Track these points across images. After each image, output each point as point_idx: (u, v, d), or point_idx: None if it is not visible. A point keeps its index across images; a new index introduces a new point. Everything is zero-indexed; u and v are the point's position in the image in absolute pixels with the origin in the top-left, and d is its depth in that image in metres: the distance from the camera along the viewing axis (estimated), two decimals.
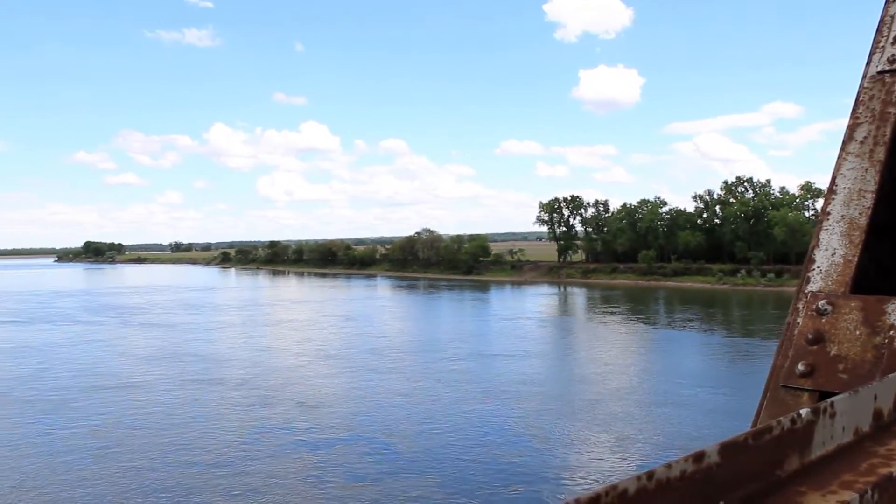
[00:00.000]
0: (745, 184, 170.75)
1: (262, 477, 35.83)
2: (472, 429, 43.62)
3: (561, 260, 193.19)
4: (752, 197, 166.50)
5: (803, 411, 1.16)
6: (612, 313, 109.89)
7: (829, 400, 1.24)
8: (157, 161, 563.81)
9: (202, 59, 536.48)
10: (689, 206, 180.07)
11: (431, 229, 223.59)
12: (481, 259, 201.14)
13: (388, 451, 39.74)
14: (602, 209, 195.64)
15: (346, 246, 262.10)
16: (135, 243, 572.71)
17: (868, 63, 2.12)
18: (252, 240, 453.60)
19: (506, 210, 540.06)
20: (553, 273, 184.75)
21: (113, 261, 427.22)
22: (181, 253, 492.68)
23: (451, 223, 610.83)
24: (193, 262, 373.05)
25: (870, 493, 1.10)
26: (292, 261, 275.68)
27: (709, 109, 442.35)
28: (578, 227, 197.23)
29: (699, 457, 0.96)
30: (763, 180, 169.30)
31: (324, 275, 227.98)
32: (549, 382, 57.21)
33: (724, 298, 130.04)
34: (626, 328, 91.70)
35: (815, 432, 1.18)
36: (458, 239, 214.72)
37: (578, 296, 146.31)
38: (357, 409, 49.44)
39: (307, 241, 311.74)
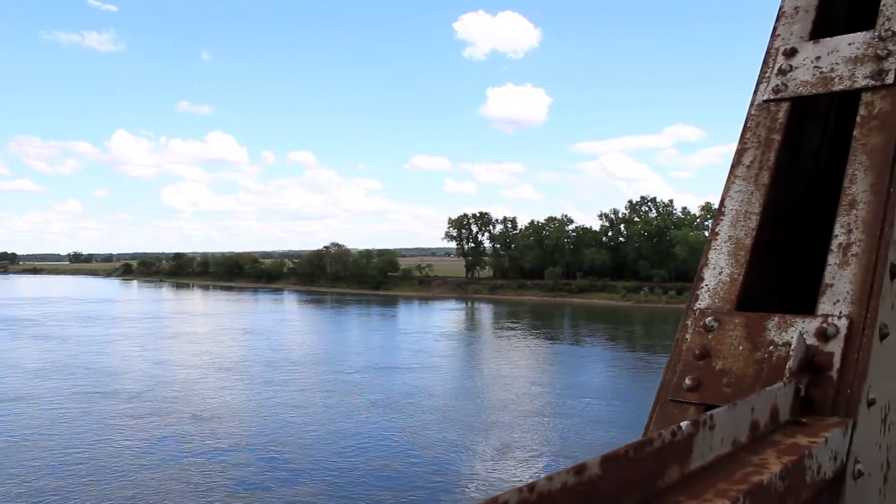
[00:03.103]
0: (649, 203, 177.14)
1: (150, 486, 35.62)
2: (359, 438, 44.19)
3: (469, 276, 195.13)
4: (655, 216, 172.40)
5: (683, 424, 1.20)
6: (516, 329, 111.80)
7: (708, 413, 1.29)
8: (54, 168, 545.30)
9: (103, 64, 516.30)
10: (595, 225, 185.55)
11: (340, 243, 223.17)
12: (389, 274, 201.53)
13: (276, 460, 39.95)
14: (510, 226, 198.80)
15: (252, 259, 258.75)
16: (30, 253, 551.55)
17: (755, 92, 2.28)
18: (156, 251, 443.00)
19: (415, 225, 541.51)
20: (461, 289, 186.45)
21: (5, 271, 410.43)
22: (81, 264, 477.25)
23: (359, 237, 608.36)
24: (94, 273, 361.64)
25: (742, 500, 1.15)
26: (197, 273, 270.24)
27: (614, 130, 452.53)
28: (486, 244, 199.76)
29: (581, 469, 0.97)
30: (666, 200, 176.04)
31: (229, 288, 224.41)
32: (442, 394, 58.17)
33: (626, 315, 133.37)
34: (529, 343, 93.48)
35: (694, 444, 1.22)
36: (367, 253, 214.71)
37: (485, 311, 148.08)
38: (248, 420, 49.34)
39: (213, 254, 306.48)
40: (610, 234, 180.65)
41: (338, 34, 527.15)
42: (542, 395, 58.13)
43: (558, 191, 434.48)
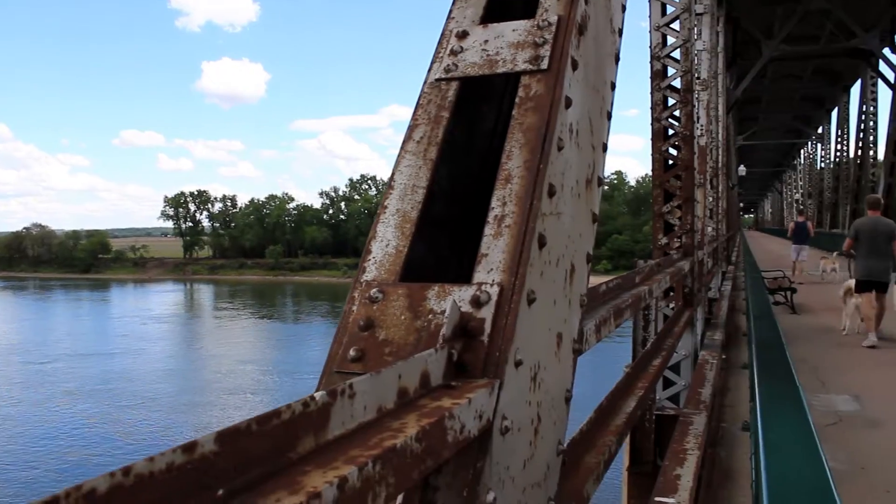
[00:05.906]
0: (369, 182, 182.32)
1: None
2: (50, 429, 42.60)
3: (187, 256, 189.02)
4: (375, 194, 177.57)
5: (318, 394, 1.20)
6: (233, 308, 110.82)
7: (348, 382, 1.27)
8: None
9: None
10: (317, 203, 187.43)
11: (43, 224, 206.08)
12: (100, 256, 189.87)
13: None
14: (230, 204, 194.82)
15: None
16: None
17: (429, 71, 2.38)
18: None
19: (128, 205, 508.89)
20: (179, 270, 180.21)
21: None
22: None
23: (66, 218, 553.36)
24: None
25: (371, 464, 1.15)
26: None
27: (333, 109, 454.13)
28: (206, 223, 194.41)
29: (191, 447, 0.93)
30: (385, 179, 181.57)
31: None
32: (144, 378, 56.96)
33: (347, 291, 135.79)
34: (244, 323, 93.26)
35: (332, 413, 1.22)
36: (74, 235, 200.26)
37: (203, 292, 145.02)
38: None
39: None
40: (331, 211, 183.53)
41: (37, 2, 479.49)
42: (250, 372, 58.83)
43: (279, 169, 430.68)
